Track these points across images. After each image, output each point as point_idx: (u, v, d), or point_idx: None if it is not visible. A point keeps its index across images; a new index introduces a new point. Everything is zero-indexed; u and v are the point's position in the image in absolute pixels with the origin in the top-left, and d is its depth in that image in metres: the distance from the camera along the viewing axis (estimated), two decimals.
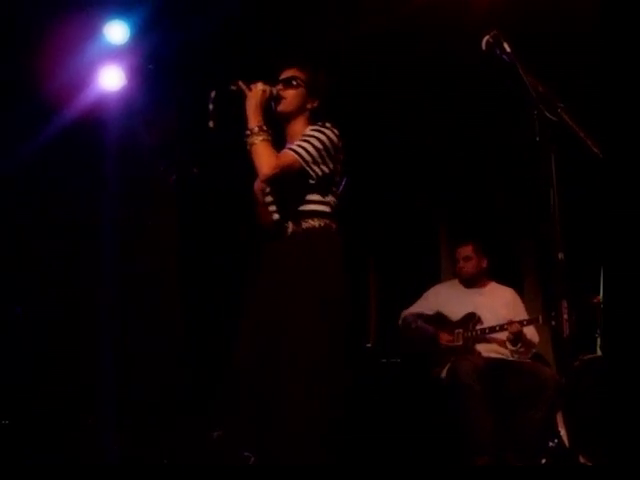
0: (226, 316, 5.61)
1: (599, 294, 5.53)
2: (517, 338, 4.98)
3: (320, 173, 3.17)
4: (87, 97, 5.28)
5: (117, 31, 5.21)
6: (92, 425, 4.87)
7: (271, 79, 3.33)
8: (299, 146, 3.15)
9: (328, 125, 3.22)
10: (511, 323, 4.97)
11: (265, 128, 3.16)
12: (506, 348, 5.07)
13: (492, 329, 5.07)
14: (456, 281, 5.43)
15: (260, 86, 3.22)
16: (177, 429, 5.03)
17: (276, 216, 3.27)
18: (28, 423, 4.68)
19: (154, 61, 5.37)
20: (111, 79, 5.36)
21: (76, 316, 5.28)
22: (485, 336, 5.09)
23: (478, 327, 5.12)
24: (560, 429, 4.58)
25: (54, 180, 5.35)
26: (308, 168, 3.14)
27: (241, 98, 3.21)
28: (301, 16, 5.06)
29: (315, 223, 3.18)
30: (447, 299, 5.32)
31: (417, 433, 5.04)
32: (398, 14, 4.97)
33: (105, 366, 5.23)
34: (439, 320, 5.26)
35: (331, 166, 3.20)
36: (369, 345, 6.28)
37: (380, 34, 5.06)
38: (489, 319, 5.12)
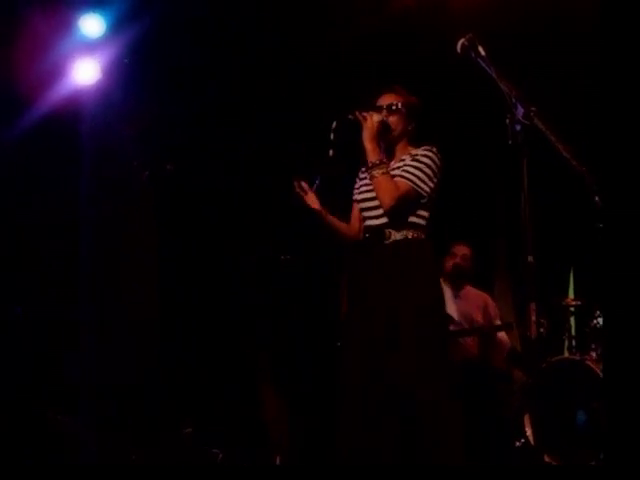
0: (202, 313, 5.62)
1: (568, 296, 5.61)
2: (488, 343, 5.02)
3: (429, 191, 3.49)
4: (61, 91, 5.24)
5: (92, 24, 5.18)
6: (71, 424, 4.85)
7: (361, 103, 3.57)
8: (412, 174, 3.45)
9: (435, 150, 3.52)
10: (483, 328, 5.02)
11: (385, 160, 3.48)
12: (476, 351, 5.11)
13: (464, 332, 5.10)
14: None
15: (375, 117, 3.50)
16: (149, 427, 5.03)
17: (379, 221, 3.52)
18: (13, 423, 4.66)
19: (130, 55, 5.34)
20: (86, 73, 5.31)
21: (55, 315, 5.25)
22: (456, 338, 5.12)
23: (450, 329, 5.15)
24: (527, 429, 4.62)
25: (28, 175, 5.31)
26: (422, 191, 3.46)
27: (357, 127, 3.49)
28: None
29: (414, 234, 3.47)
30: None
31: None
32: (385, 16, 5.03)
33: (86, 364, 5.21)
34: None
35: (434, 186, 3.50)
36: (340, 344, 6.29)
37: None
38: (462, 322, 5.15)
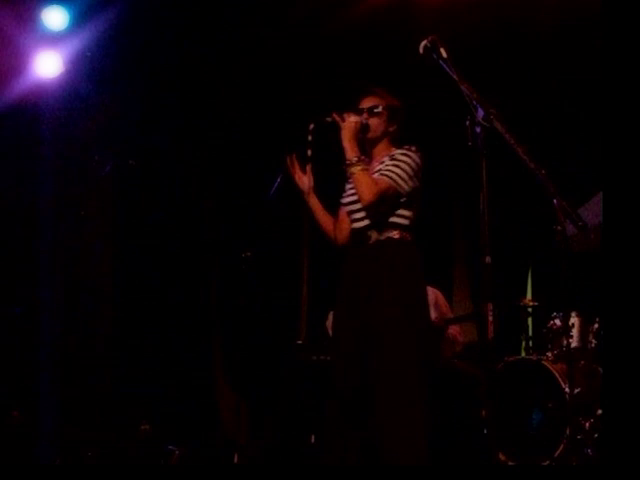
0: (159, 309, 5.59)
1: (526, 297, 5.67)
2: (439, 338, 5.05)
3: (409, 190, 3.51)
4: (23, 84, 5.19)
5: (55, 17, 5.13)
6: (28, 425, 4.81)
7: (347, 106, 3.63)
8: (391, 172, 3.49)
9: (414, 149, 3.56)
10: (445, 320, 5.06)
11: (363, 158, 3.54)
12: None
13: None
14: None
15: (352, 118, 3.56)
16: (105, 424, 5.00)
17: (362, 223, 3.57)
18: None
19: (93, 48, 5.29)
20: (48, 66, 5.26)
21: (9, 310, 5.20)
22: None
23: None
24: (483, 428, 4.66)
25: None
26: (400, 189, 3.49)
27: (335, 129, 3.55)
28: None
29: (396, 234, 3.51)
30: None
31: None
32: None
33: (44, 364, 5.16)
34: None
35: (415, 185, 3.53)
36: (300, 342, 6.29)
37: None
38: None
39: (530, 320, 5.21)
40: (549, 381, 4.63)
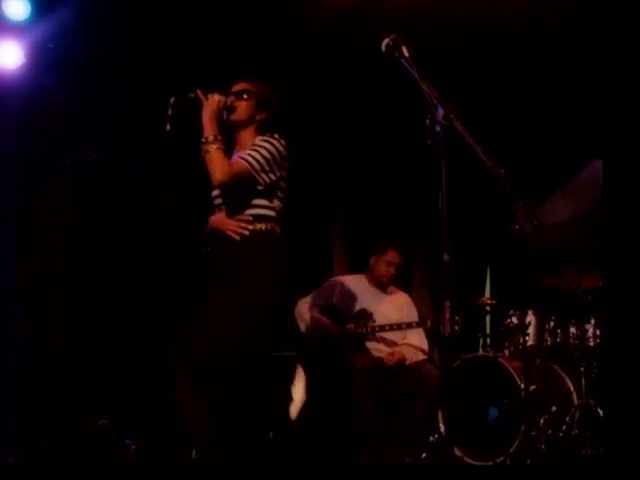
0: (117, 302, 5.55)
1: (484, 295, 5.73)
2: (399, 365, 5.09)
3: (268, 180, 3.47)
4: None
5: (16, 6, 5.07)
6: None
7: (223, 89, 3.60)
8: (250, 155, 3.45)
9: (276, 136, 3.53)
10: (399, 324, 5.09)
11: (219, 137, 3.46)
12: (393, 347, 5.18)
13: (382, 328, 5.16)
14: (363, 277, 5.47)
15: (216, 97, 3.51)
16: (62, 418, 4.96)
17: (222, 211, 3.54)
18: None
19: (55, 39, 5.24)
20: (9, 56, 5.20)
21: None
22: (375, 334, 5.18)
23: (369, 325, 5.20)
24: (440, 424, 4.71)
25: None
26: (257, 176, 3.44)
27: (197, 105, 3.50)
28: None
29: (261, 226, 3.47)
30: (348, 293, 5.37)
31: (306, 428, 5.08)
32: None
33: (4, 363, 5.11)
34: (333, 313, 5.31)
35: (278, 174, 3.51)
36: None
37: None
38: (381, 319, 5.21)
39: (488, 318, 5.27)
40: (505, 378, 4.70)
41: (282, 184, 3.56)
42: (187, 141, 3.59)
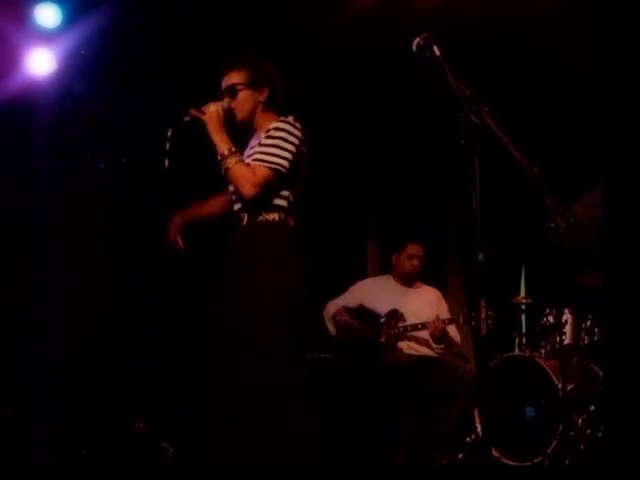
0: (154, 311, 5.59)
1: (519, 294, 5.69)
2: (441, 337, 5.07)
3: (288, 166, 3.24)
4: (15, 81, 5.17)
5: (48, 14, 5.12)
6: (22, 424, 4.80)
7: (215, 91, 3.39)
8: (269, 154, 3.21)
9: (291, 121, 3.28)
10: (432, 321, 5.06)
11: (234, 149, 3.23)
12: (426, 346, 5.17)
13: (414, 327, 5.15)
14: (389, 277, 5.47)
15: (212, 107, 3.27)
16: (100, 421, 4.99)
17: (237, 206, 3.36)
18: None
19: (86, 46, 5.28)
20: (41, 64, 5.25)
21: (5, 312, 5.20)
22: (407, 334, 5.17)
23: (400, 324, 5.19)
24: (477, 425, 4.69)
25: None
26: (281, 168, 3.22)
27: (198, 125, 3.27)
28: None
29: (271, 217, 3.26)
30: (375, 294, 5.37)
31: (341, 429, 5.08)
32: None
33: (36, 362, 5.15)
34: (363, 315, 5.31)
35: (294, 158, 3.25)
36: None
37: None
38: (412, 318, 5.20)
39: (523, 317, 5.23)
40: (542, 378, 4.66)
41: (301, 172, 3.34)
42: (192, 170, 3.45)
